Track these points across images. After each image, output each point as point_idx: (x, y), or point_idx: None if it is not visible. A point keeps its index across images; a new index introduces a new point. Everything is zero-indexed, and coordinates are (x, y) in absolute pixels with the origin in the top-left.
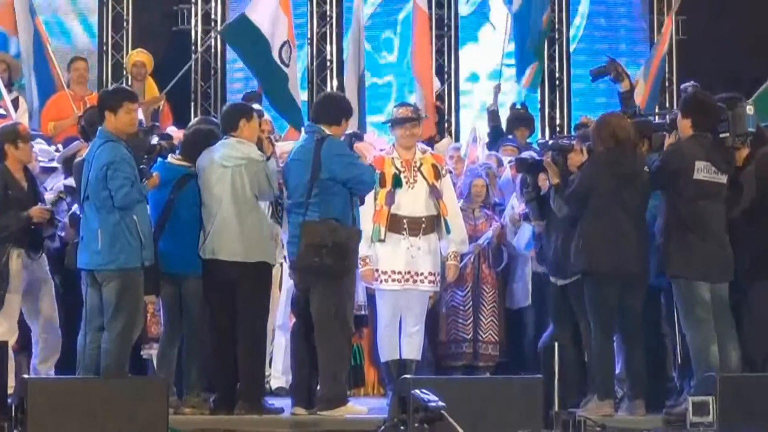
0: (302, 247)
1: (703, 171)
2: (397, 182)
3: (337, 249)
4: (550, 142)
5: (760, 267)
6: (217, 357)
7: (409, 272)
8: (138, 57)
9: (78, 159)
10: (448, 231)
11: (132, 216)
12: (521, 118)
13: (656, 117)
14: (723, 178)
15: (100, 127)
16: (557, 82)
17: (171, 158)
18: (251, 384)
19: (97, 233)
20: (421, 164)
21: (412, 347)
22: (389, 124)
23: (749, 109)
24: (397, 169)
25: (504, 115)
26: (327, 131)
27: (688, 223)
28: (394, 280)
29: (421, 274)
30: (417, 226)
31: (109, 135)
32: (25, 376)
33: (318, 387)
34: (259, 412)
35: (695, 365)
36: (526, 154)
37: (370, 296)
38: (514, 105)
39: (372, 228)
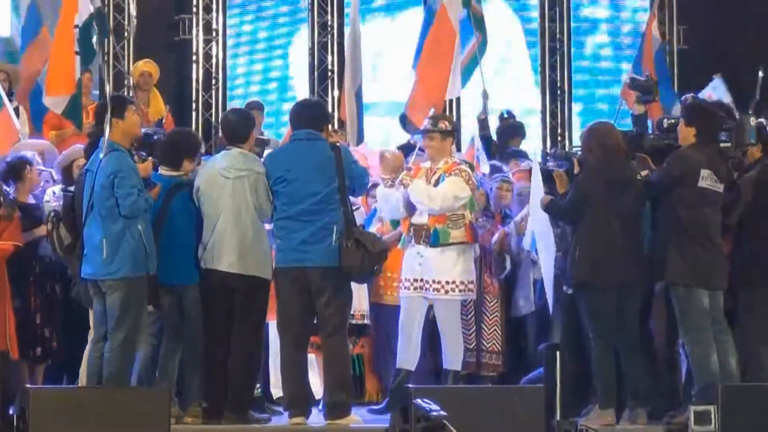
0: (351, 249)
1: (707, 179)
2: None
3: (380, 256)
4: (560, 152)
5: (746, 275)
6: (210, 366)
7: (416, 279)
8: (145, 67)
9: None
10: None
11: (137, 225)
12: (511, 128)
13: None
14: (721, 187)
15: (103, 138)
16: (559, 92)
17: (161, 169)
18: (240, 394)
19: (102, 243)
20: (435, 173)
21: (447, 358)
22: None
23: (752, 121)
24: (426, 178)
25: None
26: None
27: (689, 230)
28: (405, 288)
29: (427, 281)
30: (420, 233)
31: (115, 144)
32: (28, 385)
33: (323, 395)
34: (245, 421)
35: (695, 374)
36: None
37: (373, 306)
38: (501, 115)
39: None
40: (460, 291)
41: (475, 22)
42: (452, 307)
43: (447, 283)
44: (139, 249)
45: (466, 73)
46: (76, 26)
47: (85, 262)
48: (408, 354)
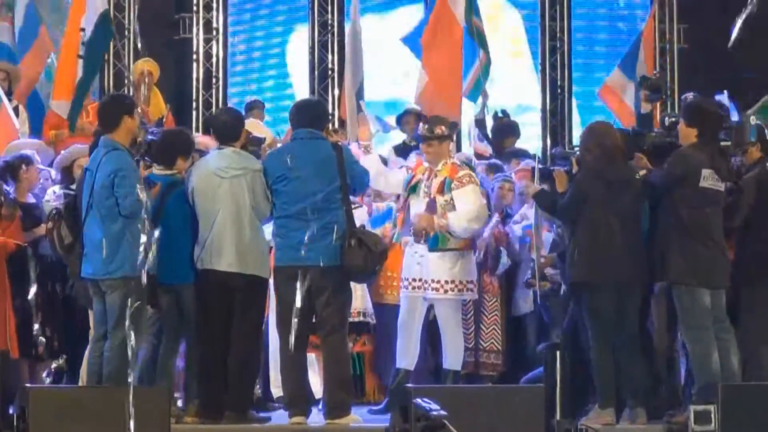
0: (354, 248)
1: (709, 179)
2: (413, 189)
3: (381, 256)
4: (561, 151)
5: (748, 274)
6: (209, 365)
7: (415, 279)
8: (145, 66)
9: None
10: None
11: (136, 225)
12: (506, 127)
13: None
14: (723, 186)
15: (103, 137)
16: (559, 91)
17: (155, 168)
18: (240, 393)
19: (102, 242)
20: (436, 176)
21: (447, 358)
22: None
23: (752, 120)
24: (423, 176)
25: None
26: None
27: (690, 229)
28: (405, 288)
29: (426, 281)
30: (420, 233)
31: (114, 143)
32: (28, 384)
33: (323, 394)
34: (246, 421)
35: (696, 373)
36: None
37: (374, 306)
38: (495, 114)
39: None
40: (460, 290)
41: (479, 39)
42: (452, 307)
43: (447, 282)
44: (139, 248)
45: (473, 93)
46: (82, 29)
47: (84, 262)
48: (407, 354)
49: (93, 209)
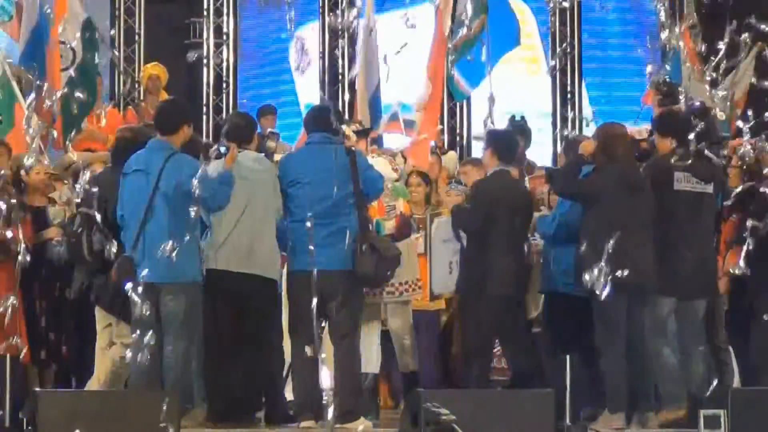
0: (366, 254)
1: (683, 181)
2: None
3: (393, 261)
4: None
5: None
6: (216, 367)
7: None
8: (153, 71)
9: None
10: None
11: (196, 231)
12: (518, 131)
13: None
14: (708, 188)
15: (159, 139)
16: (569, 96)
17: None
18: (251, 397)
19: (169, 246)
20: None
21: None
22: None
23: (720, 115)
24: None
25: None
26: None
27: (666, 236)
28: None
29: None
30: None
31: (173, 147)
32: (37, 389)
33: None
34: (255, 425)
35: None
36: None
37: None
38: (513, 118)
39: None
40: (413, 290)
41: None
42: (406, 308)
43: (401, 284)
44: (198, 253)
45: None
46: (62, 42)
47: (143, 266)
48: (370, 358)
49: (155, 213)
